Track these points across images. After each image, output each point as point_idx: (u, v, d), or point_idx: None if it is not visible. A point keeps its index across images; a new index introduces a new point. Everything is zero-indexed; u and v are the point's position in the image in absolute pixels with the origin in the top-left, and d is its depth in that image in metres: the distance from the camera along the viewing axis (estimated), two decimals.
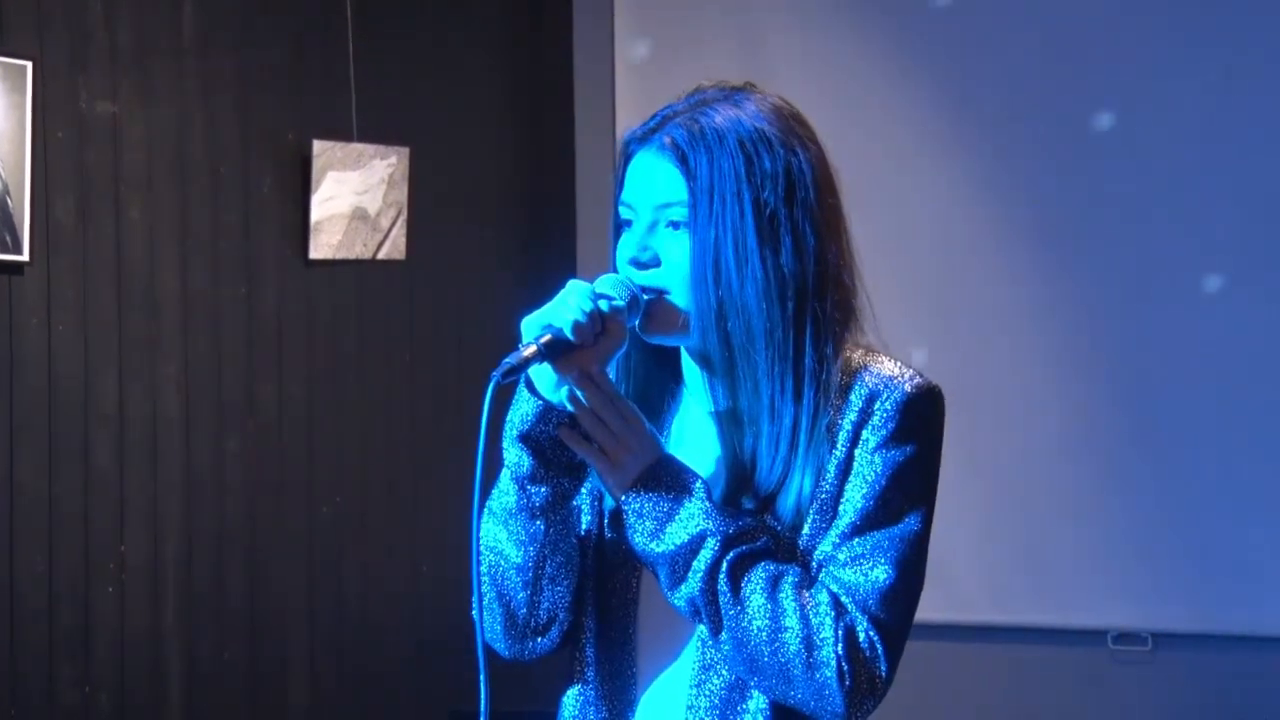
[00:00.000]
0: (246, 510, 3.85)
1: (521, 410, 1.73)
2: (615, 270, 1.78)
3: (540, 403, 1.72)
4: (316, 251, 3.99)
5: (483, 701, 1.68)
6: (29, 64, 3.37)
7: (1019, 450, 4.28)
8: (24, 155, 3.36)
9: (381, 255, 4.14)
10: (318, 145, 3.95)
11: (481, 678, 1.67)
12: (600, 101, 4.70)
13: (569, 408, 1.71)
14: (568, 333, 1.67)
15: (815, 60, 4.42)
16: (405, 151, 4.16)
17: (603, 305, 1.70)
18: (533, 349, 1.67)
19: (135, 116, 3.63)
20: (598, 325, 1.69)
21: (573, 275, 4.50)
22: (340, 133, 4.02)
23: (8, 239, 3.36)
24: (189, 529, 3.72)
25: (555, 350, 1.68)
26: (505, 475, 1.77)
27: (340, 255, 4.05)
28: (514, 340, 1.69)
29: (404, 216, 4.17)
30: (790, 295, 1.71)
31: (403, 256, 4.18)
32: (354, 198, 4.05)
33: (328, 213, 4.00)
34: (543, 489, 1.75)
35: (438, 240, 4.31)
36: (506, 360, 1.66)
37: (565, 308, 1.69)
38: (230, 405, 3.82)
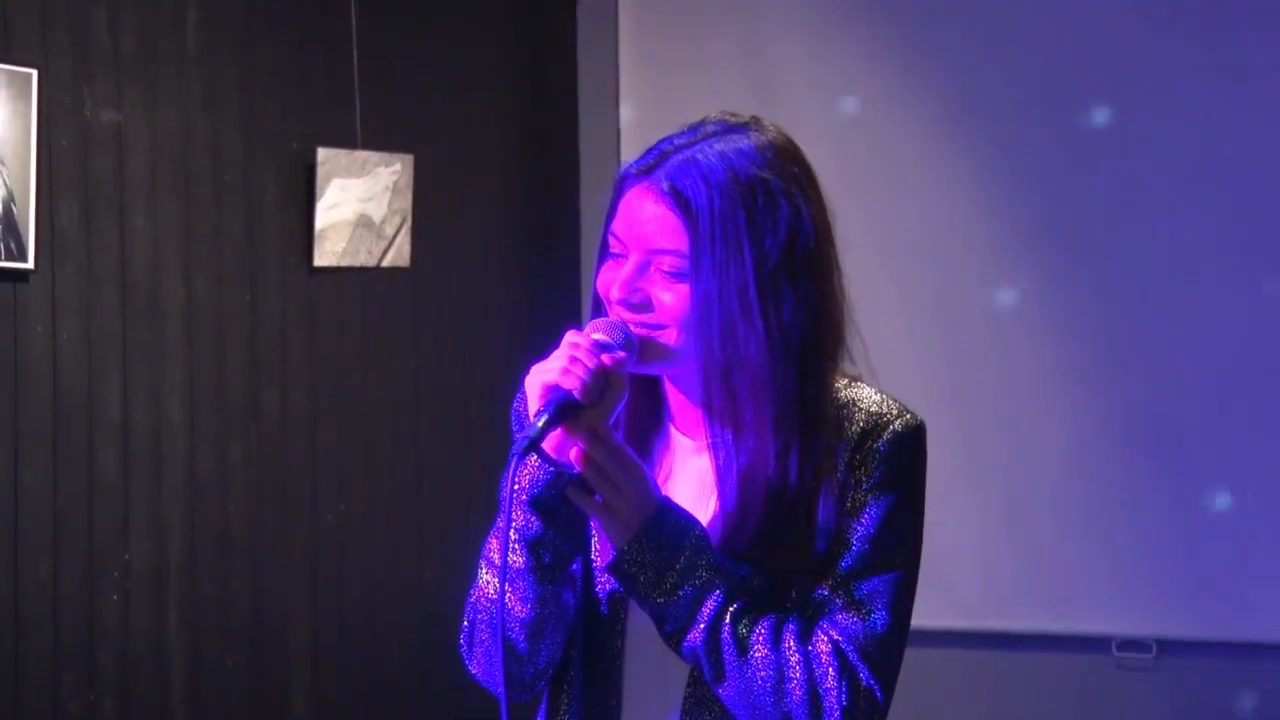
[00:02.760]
0: (250, 517, 3.85)
1: (532, 476, 1.70)
2: (596, 295, 1.77)
3: (552, 469, 1.70)
4: (321, 259, 3.99)
5: None
6: (34, 72, 3.38)
7: (1022, 457, 4.28)
8: (29, 163, 3.37)
9: (386, 262, 4.14)
10: (322, 153, 3.96)
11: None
12: (605, 109, 4.70)
13: (575, 468, 1.69)
14: (576, 395, 1.66)
15: (817, 62, 4.41)
16: (409, 159, 4.16)
17: (605, 360, 1.68)
18: (545, 418, 1.65)
19: (140, 124, 3.64)
20: (602, 382, 1.68)
21: (576, 280, 4.48)
22: (345, 140, 4.03)
23: (13, 246, 3.36)
24: (192, 536, 3.72)
25: (565, 413, 1.66)
26: (511, 534, 1.73)
27: (345, 262, 4.05)
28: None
29: (408, 224, 4.18)
30: (794, 349, 1.69)
31: (407, 264, 4.19)
32: (358, 205, 4.05)
33: (332, 220, 4.00)
34: (551, 551, 1.73)
35: (442, 247, 4.32)
36: (524, 436, 1.64)
37: (570, 368, 1.66)
38: (234, 412, 3.82)
